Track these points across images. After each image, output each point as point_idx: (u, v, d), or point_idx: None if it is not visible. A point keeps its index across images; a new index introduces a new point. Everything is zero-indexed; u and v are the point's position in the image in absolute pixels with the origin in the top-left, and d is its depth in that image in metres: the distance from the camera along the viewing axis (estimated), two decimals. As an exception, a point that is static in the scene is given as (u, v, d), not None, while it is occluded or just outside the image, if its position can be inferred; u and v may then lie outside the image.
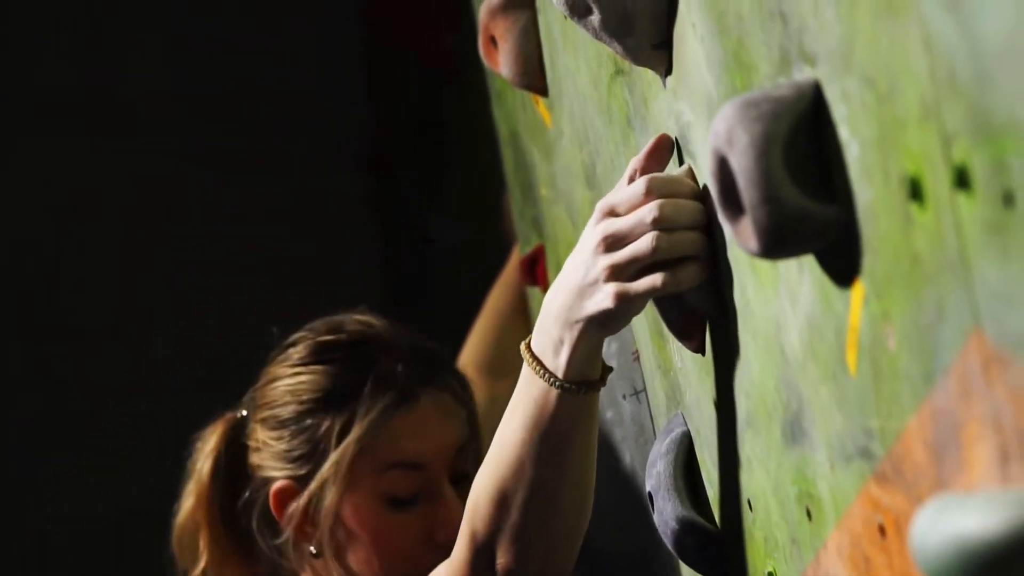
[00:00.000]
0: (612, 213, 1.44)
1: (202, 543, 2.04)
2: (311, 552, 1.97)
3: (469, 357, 2.36)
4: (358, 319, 2.06)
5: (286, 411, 1.99)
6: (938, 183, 1.06)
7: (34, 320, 4.05)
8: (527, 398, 1.52)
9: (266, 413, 2.01)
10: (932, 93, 1.04)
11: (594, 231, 1.44)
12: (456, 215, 4.08)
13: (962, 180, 1.02)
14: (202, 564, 2.04)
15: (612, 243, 1.43)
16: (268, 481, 2.00)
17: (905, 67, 1.07)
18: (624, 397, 1.84)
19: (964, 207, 1.03)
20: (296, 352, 2.03)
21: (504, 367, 2.15)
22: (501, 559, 1.60)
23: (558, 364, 1.49)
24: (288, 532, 1.98)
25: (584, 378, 1.50)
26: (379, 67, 4.31)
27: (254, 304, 3.90)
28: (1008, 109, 0.96)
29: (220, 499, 2.04)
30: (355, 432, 1.94)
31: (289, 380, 2.01)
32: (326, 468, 1.94)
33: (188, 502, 2.06)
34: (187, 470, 2.09)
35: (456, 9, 3.07)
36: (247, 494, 2.03)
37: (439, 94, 4.18)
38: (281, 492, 1.98)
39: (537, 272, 2.18)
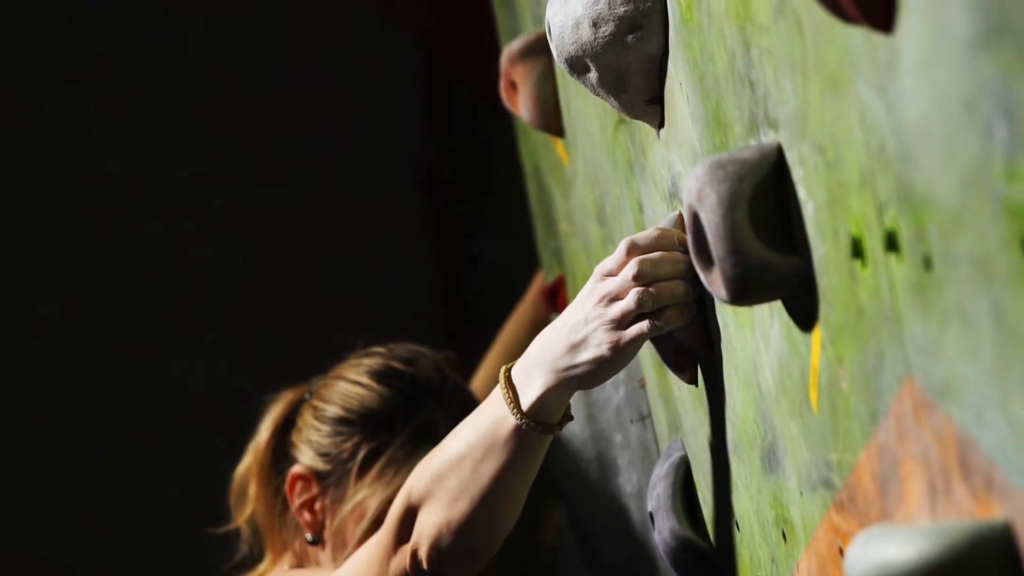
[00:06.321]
0: (607, 275, 1.57)
1: (251, 494, 2.25)
2: (307, 538, 2.16)
3: (479, 387, 2.48)
4: (434, 361, 2.22)
5: (331, 410, 2.18)
6: (875, 244, 1.17)
7: (104, 337, 4.18)
8: (488, 411, 1.66)
9: (318, 402, 2.20)
10: (868, 163, 1.15)
11: (588, 293, 1.57)
12: (500, 238, 4.20)
13: (892, 243, 1.13)
14: (248, 512, 2.25)
15: (604, 301, 1.55)
16: (294, 461, 2.20)
17: (847, 138, 1.18)
18: (631, 422, 1.95)
19: (895, 268, 1.14)
20: (369, 362, 2.21)
21: None
22: (421, 522, 1.72)
23: (525, 400, 1.62)
24: (292, 511, 2.18)
25: (541, 420, 1.63)
26: (436, 96, 4.45)
27: (318, 315, 4.04)
28: (925, 183, 1.07)
29: (270, 462, 2.25)
30: (381, 461, 2.10)
31: (348, 385, 2.19)
32: (351, 488, 2.09)
33: (248, 458, 2.28)
34: (255, 428, 2.30)
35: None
36: (283, 463, 2.22)
37: (488, 122, 4.30)
38: (298, 476, 2.18)
39: (558, 302, 2.28)
